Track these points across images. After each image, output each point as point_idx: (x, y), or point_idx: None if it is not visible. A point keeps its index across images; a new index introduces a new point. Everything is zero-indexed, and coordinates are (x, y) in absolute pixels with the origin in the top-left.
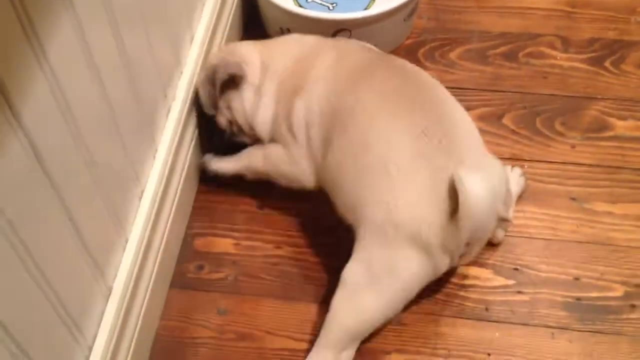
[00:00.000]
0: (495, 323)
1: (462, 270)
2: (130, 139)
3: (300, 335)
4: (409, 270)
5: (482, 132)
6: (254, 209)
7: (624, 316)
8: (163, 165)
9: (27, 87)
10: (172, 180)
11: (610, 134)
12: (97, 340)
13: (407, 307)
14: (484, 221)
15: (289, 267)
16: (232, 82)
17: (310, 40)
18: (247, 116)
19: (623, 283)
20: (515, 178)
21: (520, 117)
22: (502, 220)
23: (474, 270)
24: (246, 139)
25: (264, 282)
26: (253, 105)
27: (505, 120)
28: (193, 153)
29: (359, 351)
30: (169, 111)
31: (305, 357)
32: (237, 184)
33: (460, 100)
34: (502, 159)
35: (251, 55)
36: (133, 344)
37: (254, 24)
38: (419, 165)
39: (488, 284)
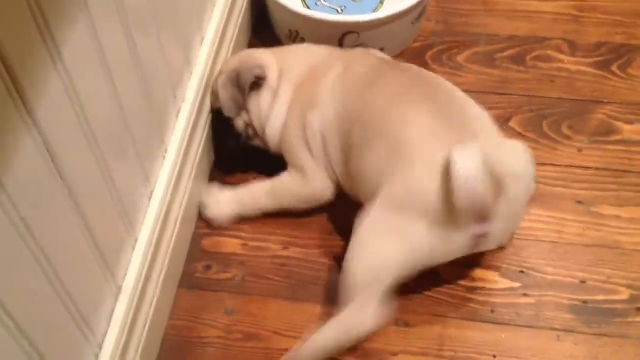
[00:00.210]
0: (500, 325)
1: (468, 272)
2: (140, 139)
3: (306, 336)
4: (417, 239)
5: None
6: None
7: (630, 319)
8: (172, 166)
9: (41, 86)
10: (181, 180)
11: (617, 137)
12: (106, 338)
13: (412, 308)
14: (484, 197)
15: (296, 268)
16: (255, 84)
17: (321, 51)
18: (262, 117)
19: (629, 286)
20: None
21: (527, 120)
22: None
23: (480, 272)
24: (260, 143)
25: (271, 283)
26: (269, 108)
27: (512, 123)
28: (202, 154)
29: (363, 351)
30: (178, 112)
31: None
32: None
33: None
34: None
35: (268, 59)
36: (142, 343)
37: (262, 25)
38: (435, 141)
39: (494, 286)
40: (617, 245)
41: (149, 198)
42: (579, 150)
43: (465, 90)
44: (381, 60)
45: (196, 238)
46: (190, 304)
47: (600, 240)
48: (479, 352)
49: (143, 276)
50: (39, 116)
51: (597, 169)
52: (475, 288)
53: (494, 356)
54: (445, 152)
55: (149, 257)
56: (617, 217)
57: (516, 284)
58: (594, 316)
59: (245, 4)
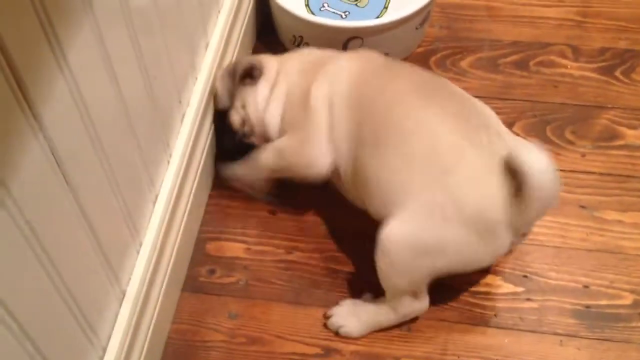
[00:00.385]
0: (504, 330)
1: (471, 277)
2: (146, 143)
3: (310, 340)
4: (460, 252)
5: None
6: (265, 214)
7: (633, 324)
8: (177, 170)
9: (47, 89)
10: (186, 185)
11: (621, 142)
12: (110, 342)
13: None
14: (551, 194)
15: (299, 272)
16: (250, 77)
17: (326, 51)
18: (259, 110)
19: (632, 291)
20: None
21: (531, 125)
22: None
23: (483, 277)
24: (256, 140)
25: (274, 287)
26: (266, 101)
27: (516, 129)
28: (206, 158)
29: (367, 356)
30: (183, 117)
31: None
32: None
33: None
34: None
35: (269, 59)
36: (146, 347)
37: (267, 31)
38: (465, 144)
39: (497, 290)
40: (621, 251)
41: (154, 202)
42: (583, 155)
43: None
44: (387, 59)
45: (200, 242)
46: (194, 308)
47: (604, 245)
48: (482, 357)
49: (147, 280)
50: (45, 120)
51: (600, 174)
52: (479, 293)
53: None
54: (484, 156)
55: (154, 261)
56: (621, 222)
57: (520, 289)
58: (597, 321)
59: (250, 9)
